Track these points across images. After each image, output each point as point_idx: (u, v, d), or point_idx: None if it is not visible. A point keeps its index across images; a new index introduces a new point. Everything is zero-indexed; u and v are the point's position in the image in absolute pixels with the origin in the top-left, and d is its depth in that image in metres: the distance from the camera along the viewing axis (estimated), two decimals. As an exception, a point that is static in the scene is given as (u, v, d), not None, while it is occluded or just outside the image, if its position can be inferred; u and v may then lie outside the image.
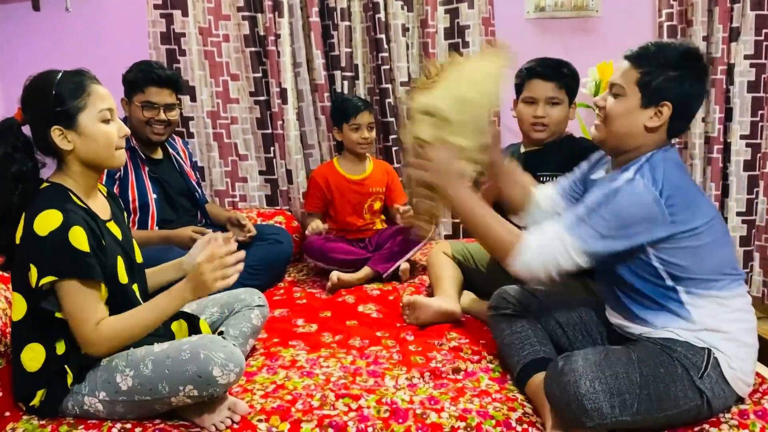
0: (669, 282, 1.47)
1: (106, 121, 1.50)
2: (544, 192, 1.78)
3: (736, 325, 1.47)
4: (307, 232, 2.57)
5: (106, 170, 2.21)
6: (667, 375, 1.40)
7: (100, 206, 1.57)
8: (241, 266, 1.56)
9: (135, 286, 1.60)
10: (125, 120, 2.30)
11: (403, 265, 2.53)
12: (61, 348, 1.47)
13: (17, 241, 1.43)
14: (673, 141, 1.57)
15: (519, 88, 2.16)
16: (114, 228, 1.58)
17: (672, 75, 1.45)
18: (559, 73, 2.09)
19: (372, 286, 2.47)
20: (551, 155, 2.13)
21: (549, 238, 1.46)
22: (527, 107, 2.12)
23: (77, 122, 1.47)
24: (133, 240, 1.67)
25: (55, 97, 1.45)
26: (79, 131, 1.47)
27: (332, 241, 2.57)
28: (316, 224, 2.55)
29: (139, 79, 2.29)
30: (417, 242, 2.54)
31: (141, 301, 1.61)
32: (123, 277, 1.53)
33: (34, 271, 1.40)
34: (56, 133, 1.46)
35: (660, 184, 1.41)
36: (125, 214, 1.72)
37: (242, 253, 1.57)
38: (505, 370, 1.73)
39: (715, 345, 1.45)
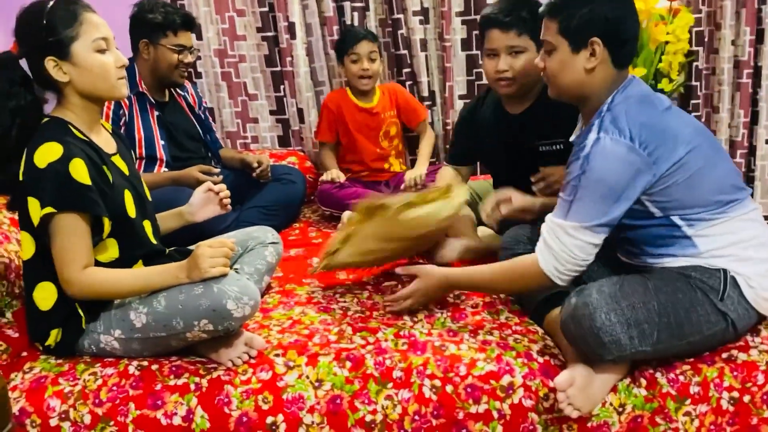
0: (671, 220, 1.42)
1: (102, 51, 1.43)
2: None
3: (747, 244, 1.42)
4: (322, 178, 2.51)
5: (111, 112, 2.17)
6: (686, 300, 1.36)
7: (104, 141, 1.53)
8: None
9: (147, 223, 1.57)
10: (143, 63, 2.27)
11: None
12: None
13: (21, 178, 1.40)
14: (629, 71, 1.49)
15: (481, 39, 1.89)
16: (120, 162, 1.54)
17: (586, 10, 1.40)
18: (519, 18, 1.77)
19: (388, 224, 2.43)
20: (546, 113, 1.82)
21: (548, 238, 1.40)
22: (489, 61, 1.84)
23: (71, 52, 1.41)
24: (141, 178, 1.63)
25: (46, 26, 1.39)
26: (73, 62, 1.41)
27: (346, 188, 2.50)
28: (336, 173, 2.49)
29: (169, 21, 2.24)
30: None
31: (152, 240, 1.58)
32: (132, 212, 1.50)
33: (35, 205, 1.37)
34: (51, 65, 1.41)
35: (627, 131, 1.35)
36: (132, 153, 1.68)
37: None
38: (523, 309, 1.68)
39: (730, 267, 1.40)
